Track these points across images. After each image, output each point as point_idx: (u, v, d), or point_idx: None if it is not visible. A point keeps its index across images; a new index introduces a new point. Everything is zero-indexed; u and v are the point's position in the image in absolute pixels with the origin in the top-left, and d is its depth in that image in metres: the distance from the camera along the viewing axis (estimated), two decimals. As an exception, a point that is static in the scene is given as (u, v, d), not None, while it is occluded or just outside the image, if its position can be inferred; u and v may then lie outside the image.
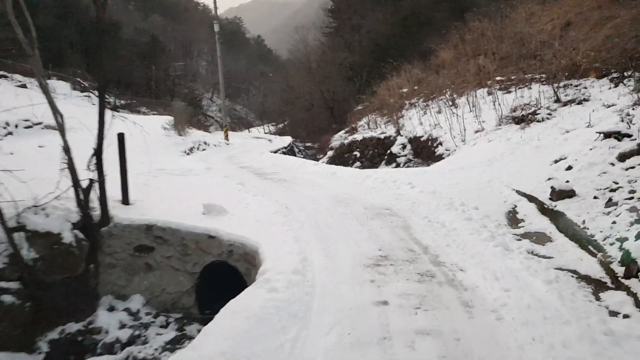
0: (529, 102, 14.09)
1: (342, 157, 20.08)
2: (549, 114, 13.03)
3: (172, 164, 16.00)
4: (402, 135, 17.34)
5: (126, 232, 7.35)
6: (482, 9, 24.16)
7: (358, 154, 19.01)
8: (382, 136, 18.07)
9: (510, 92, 15.91)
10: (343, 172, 11.96)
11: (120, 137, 8.64)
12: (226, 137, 28.09)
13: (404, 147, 16.88)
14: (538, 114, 13.13)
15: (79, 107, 29.44)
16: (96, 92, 28.53)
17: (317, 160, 23.42)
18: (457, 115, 15.49)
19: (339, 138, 21.75)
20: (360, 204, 8.98)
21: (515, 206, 8.46)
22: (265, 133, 47.06)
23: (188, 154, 21.69)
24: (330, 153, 21.45)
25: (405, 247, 6.63)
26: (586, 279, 5.44)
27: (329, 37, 41.67)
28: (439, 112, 16.93)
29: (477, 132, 14.34)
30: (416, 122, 17.45)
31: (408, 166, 16.22)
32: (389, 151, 17.28)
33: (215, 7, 28.03)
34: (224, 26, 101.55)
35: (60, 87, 30.27)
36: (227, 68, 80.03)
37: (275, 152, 24.86)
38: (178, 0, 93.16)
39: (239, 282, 6.80)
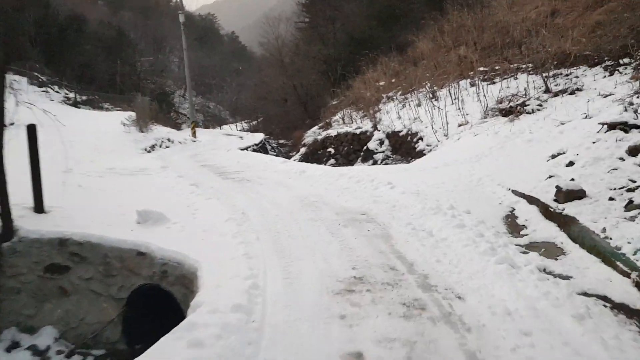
0: (516, 92, 12.84)
1: (316, 154, 18.65)
2: (540, 105, 11.78)
3: (125, 163, 14.42)
4: (379, 130, 15.97)
5: (34, 248, 5.77)
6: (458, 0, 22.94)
7: (332, 151, 17.60)
8: (358, 131, 16.68)
9: (494, 82, 14.67)
10: (314, 170, 10.50)
11: (31, 130, 6.99)
12: (193, 134, 26.41)
13: (381, 142, 15.52)
14: (527, 105, 11.87)
15: (40, 105, 27.48)
16: (54, 87, 26.47)
17: (290, 157, 21.96)
18: (438, 108, 14.18)
19: (312, 134, 20.31)
20: (332, 208, 7.55)
21: (513, 209, 7.14)
22: (239, 130, 45.37)
23: (149, 151, 20.04)
24: (303, 150, 20.00)
25: (386, 263, 5.23)
26: (624, 309, 4.09)
27: (303, 31, 40.20)
28: (419, 105, 15.61)
29: (460, 125, 13.04)
30: (394, 116, 16.10)
31: (386, 163, 14.86)
32: (365, 147, 15.91)
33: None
34: (197, 22, 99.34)
35: (16, 82, 28.20)
36: (200, 64, 78.15)
37: (245, 149, 23.29)
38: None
39: (177, 310, 5.34)
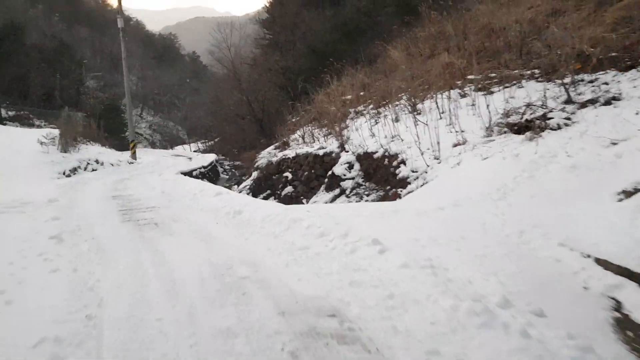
0: (528, 103, 9.51)
1: (270, 180, 14.95)
2: (567, 119, 8.44)
3: (14, 193, 10.41)
4: (347, 151, 12.41)
5: None
6: (433, 5, 19.87)
7: (290, 176, 13.93)
8: (321, 152, 13.07)
9: (492, 92, 11.35)
10: (254, 209, 6.73)
11: None
12: (133, 155, 22.35)
13: (350, 166, 11.94)
14: (550, 118, 8.51)
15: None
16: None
17: (240, 183, 18.19)
18: (423, 123, 10.72)
19: (267, 155, 16.62)
20: (273, 297, 3.87)
21: (619, 304, 3.63)
22: (194, 151, 41.28)
23: (68, 175, 16.00)
24: (255, 174, 16.28)
25: None
26: None
27: (263, 48, 36.59)
28: (397, 120, 12.14)
29: (457, 145, 9.58)
30: (366, 133, 12.57)
31: (357, 193, 11.27)
32: (330, 172, 12.30)
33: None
34: (157, 41, 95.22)
35: None
36: (159, 82, 73.91)
37: (189, 172, 19.44)
38: (106, 14, 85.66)
39: None
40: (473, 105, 11.03)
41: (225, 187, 22.67)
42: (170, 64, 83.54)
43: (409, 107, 12.43)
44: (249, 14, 32.09)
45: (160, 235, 6.20)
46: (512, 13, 15.17)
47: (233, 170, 27.25)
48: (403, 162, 10.17)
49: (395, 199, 9.56)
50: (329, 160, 12.86)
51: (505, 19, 14.95)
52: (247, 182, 16.45)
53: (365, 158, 11.79)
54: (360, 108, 15.93)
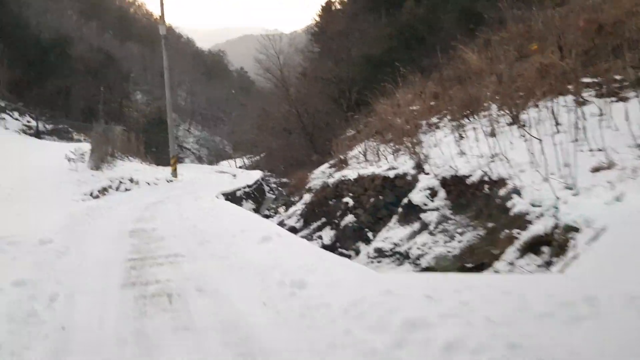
0: None
1: (326, 205, 12.24)
2: None
3: (13, 225, 8.09)
4: (427, 173, 9.58)
5: None
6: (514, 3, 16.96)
7: (351, 202, 11.18)
8: (392, 174, 10.28)
9: (625, 98, 8.32)
10: (326, 281, 3.99)
11: None
12: (173, 172, 20.13)
13: (433, 193, 9.10)
14: None
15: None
16: (13, 114, 20.45)
17: (289, 206, 15.57)
18: (535, 139, 7.77)
19: (321, 175, 13.95)
20: None
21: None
22: (239, 166, 39.17)
23: (96, 196, 13.78)
24: (307, 197, 13.61)
25: None
26: None
27: (312, 61, 34.12)
28: (493, 134, 9.24)
29: (599, 169, 6.61)
30: (451, 150, 9.69)
31: (445, 229, 8.42)
32: (406, 200, 9.48)
33: (162, 5, 20.31)
34: (206, 58, 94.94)
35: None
36: (207, 97, 72.99)
37: (233, 193, 16.97)
38: (157, 31, 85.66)
39: None
40: (601, 115, 8.04)
41: (272, 208, 20.15)
42: (219, 80, 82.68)
43: (508, 118, 9.52)
44: (297, 31, 29.91)
45: (170, 330, 3.54)
46: (620, 6, 12.03)
47: (280, 188, 24.72)
48: (517, 191, 7.24)
49: (511, 243, 6.70)
50: (403, 184, 10.06)
51: (614, 13, 11.86)
52: (298, 206, 13.79)
53: (453, 183, 8.92)
54: (433, 120, 13.09)
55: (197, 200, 11.65)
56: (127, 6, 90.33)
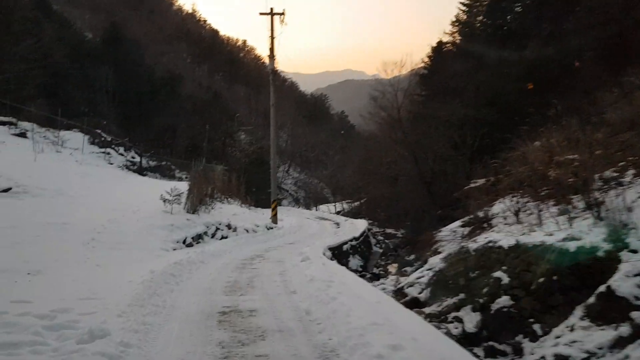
0: None
1: (465, 278, 9.41)
2: None
3: (75, 291, 6.20)
4: (635, 251, 6.57)
5: None
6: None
7: (505, 278, 8.31)
8: (572, 246, 7.33)
9: None
10: None
11: None
12: (273, 217, 18.20)
13: (653, 284, 6.09)
14: None
15: (86, 166, 20.95)
16: (119, 149, 19.86)
17: (400, 263, 12.89)
18: None
19: (452, 236, 11.17)
20: None
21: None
22: (338, 212, 36.97)
23: (189, 244, 12.01)
24: (434, 262, 10.85)
25: None
26: None
27: (421, 105, 31.46)
28: None
29: None
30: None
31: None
32: (602, 288, 6.51)
33: (272, 39, 18.72)
34: (308, 101, 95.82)
35: (74, 139, 22.02)
36: (306, 140, 72.61)
37: (339, 246, 14.57)
38: (263, 74, 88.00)
39: None
40: None
41: (380, 265, 17.50)
42: (319, 123, 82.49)
43: None
44: (399, 76, 27.91)
45: None
46: None
47: (386, 241, 22.01)
48: None
49: None
50: (591, 261, 7.08)
51: None
52: (423, 273, 11.04)
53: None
54: (607, 173, 10.00)
55: (304, 261, 9.33)
56: (237, 50, 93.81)
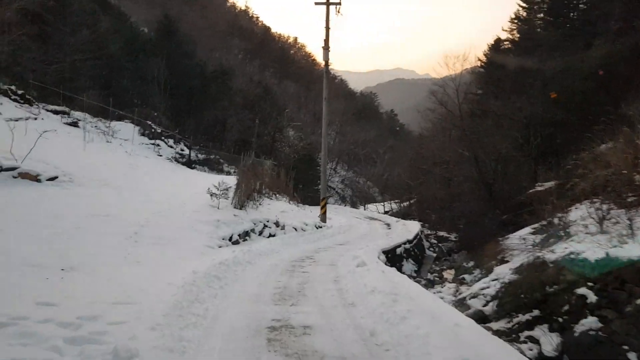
0: None
1: (541, 292, 8.31)
2: None
3: (112, 292, 5.58)
4: None
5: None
6: None
7: (592, 296, 7.20)
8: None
9: None
10: None
11: None
12: (322, 216, 17.43)
13: None
14: None
15: (135, 157, 20.79)
16: (168, 141, 19.60)
17: (458, 270, 11.85)
18: None
19: (522, 244, 10.04)
20: None
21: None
22: (386, 212, 35.89)
23: (235, 242, 11.36)
24: (502, 272, 9.78)
25: None
26: None
27: (473, 103, 30.01)
28: None
29: None
30: None
31: None
32: None
33: (328, 30, 17.89)
34: (357, 99, 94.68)
35: (124, 130, 21.94)
36: (355, 138, 71.68)
37: (392, 250, 13.64)
38: (314, 72, 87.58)
39: None
40: None
41: (434, 271, 16.45)
42: (368, 121, 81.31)
43: None
44: (450, 75, 26.57)
45: None
46: None
47: (439, 244, 20.86)
48: None
49: None
50: None
51: None
52: (488, 283, 9.97)
53: None
54: None
55: (359, 266, 8.48)
56: (288, 47, 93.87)
